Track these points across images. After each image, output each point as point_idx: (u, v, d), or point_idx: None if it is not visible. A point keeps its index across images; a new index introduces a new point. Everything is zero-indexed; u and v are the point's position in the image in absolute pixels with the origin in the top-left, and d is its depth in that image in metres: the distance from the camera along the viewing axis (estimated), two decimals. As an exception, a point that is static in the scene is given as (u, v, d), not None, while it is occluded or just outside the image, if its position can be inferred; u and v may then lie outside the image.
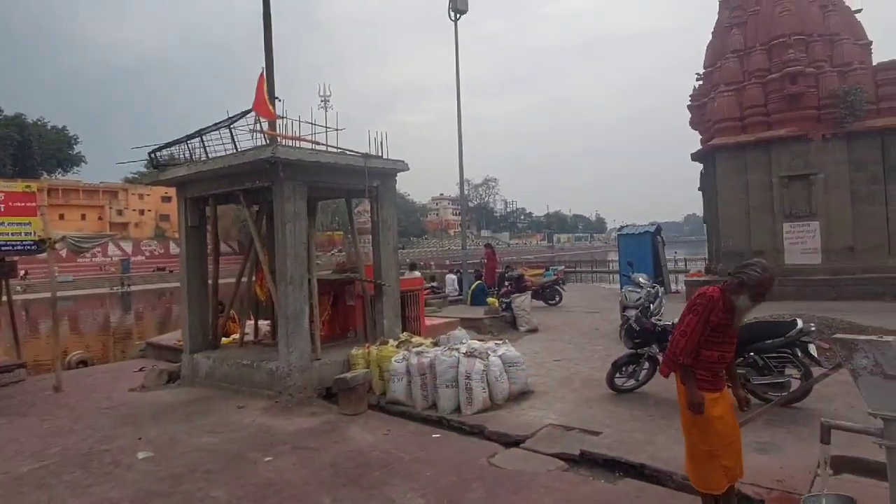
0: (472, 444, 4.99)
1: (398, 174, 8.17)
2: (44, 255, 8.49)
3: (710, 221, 15.95)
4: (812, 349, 5.33)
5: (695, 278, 14.98)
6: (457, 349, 6.12)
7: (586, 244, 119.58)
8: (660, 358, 6.04)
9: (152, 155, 8.23)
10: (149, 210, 64.02)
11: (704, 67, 15.91)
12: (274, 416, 5.96)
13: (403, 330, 7.96)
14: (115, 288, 44.50)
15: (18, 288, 30.54)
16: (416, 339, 7.23)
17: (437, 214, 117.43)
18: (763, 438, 4.45)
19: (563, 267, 20.97)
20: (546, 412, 5.56)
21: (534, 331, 10.62)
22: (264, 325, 9.21)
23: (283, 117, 7.56)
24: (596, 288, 21.03)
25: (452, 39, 15.88)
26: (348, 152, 7.53)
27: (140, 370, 8.79)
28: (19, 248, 8.05)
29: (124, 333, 23.70)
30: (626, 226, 17.65)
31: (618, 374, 6.19)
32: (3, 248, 7.96)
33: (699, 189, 16.83)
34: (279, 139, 7.15)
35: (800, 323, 5.42)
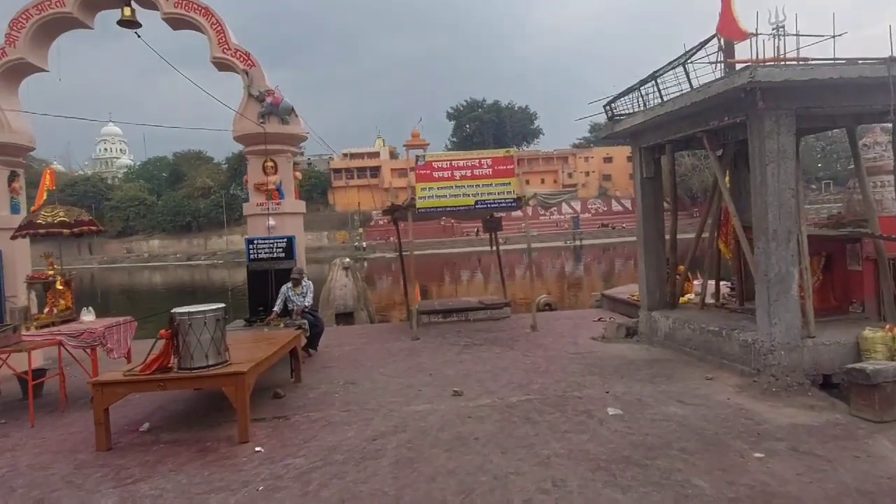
0: None
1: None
2: (516, 213, 9.72)
3: None
4: None
5: None
6: None
7: None
8: None
9: (607, 107, 8.18)
10: (593, 171, 69.45)
11: None
12: (754, 398, 4.94)
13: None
14: (568, 242, 50.96)
15: (501, 240, 38.13)
16: (981, 326, 4.78)
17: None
18: None
19: None
20: None
21: None
22: (724, 286, 8.10)
23: (756, 33, 6.16)
24: None
25: None
26: (859, 61, 5.50)
27: (598, 320, 9.15)
28: (504, 205, 9.40)
29: (576, 282, 26.42)
30: None
31: None
32: (491, 206, 9.47)
33: None
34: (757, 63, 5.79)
35: None
